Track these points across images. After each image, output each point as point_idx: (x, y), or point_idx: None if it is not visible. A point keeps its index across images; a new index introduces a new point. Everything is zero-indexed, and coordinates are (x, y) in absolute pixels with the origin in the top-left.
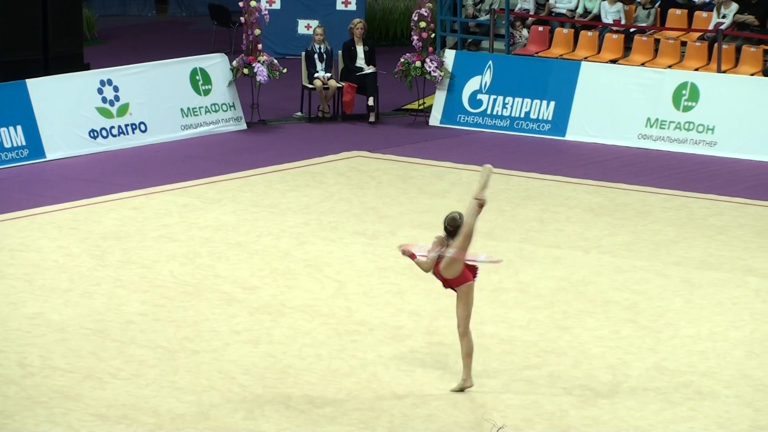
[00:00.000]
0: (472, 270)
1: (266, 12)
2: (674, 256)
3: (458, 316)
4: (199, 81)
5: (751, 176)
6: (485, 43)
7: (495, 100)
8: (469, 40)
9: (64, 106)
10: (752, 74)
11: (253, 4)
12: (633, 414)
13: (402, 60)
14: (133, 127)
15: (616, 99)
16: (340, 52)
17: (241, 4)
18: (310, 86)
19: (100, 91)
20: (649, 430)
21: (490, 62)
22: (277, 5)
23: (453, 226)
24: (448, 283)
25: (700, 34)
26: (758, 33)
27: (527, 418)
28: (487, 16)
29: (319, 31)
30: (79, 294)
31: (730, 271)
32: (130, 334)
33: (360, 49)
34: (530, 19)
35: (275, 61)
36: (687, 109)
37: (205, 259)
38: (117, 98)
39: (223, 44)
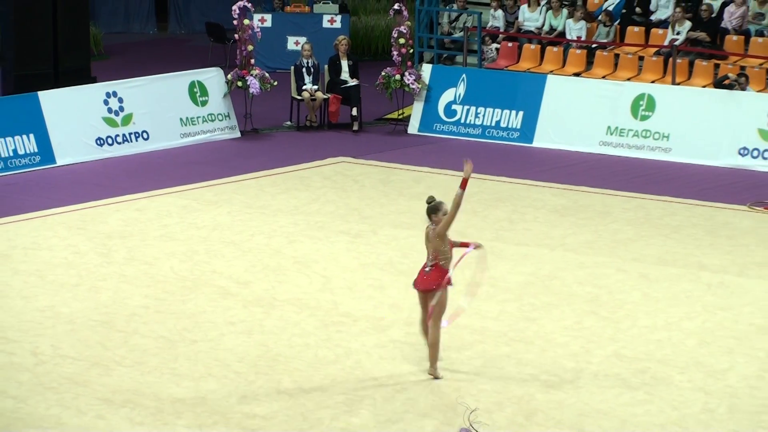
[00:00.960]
0: (445, 278)
1: (258, 30)
2: (632, 253)
3: (429, 312)
4: (197, 93)
5: (702, 180)
6: (459, 58)
7: (468, 110)
8: (445, 55)
9: (73, 116)
10: (704, 86)
11: (246, 22)
12: (594, 398)
13: (383, 73)
14: (137, 135)
15: (579, 109)
16: (326, 66)
17: (235, 22)
18: (299, 98)
19: (105, 102)
20: (609, 413)
21: (464, 75)
22: (268, 23)
23: (428, 202)
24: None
25: (656, 49)
26: (709, 48)
27: (498, 402)
28: (461, 33)
29: (306, 47)
30: (87, 288)
31: (683, 267)
32: (134, 325)
33: (344, 64)
34: (500, 35)
35: (266, 74)
36: (644, 118)
37: (203, 257)
38: (121, 109)
39: (219, 59)
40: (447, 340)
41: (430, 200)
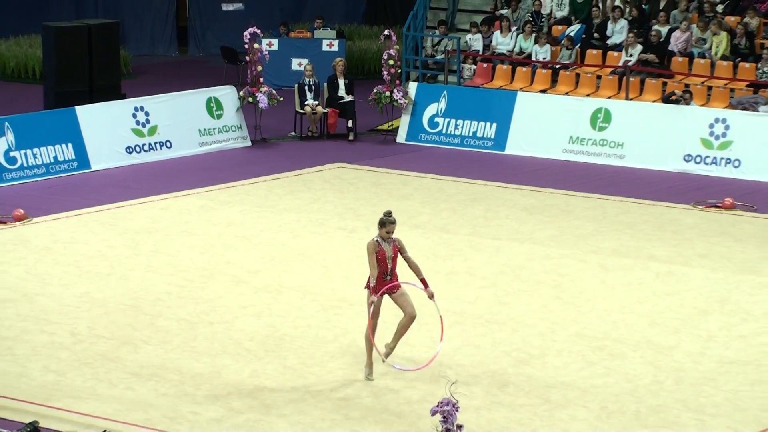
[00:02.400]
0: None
1: (267, 52)
2: (591, 246)
3: (411, 306)
4: (213, 107)
5: (652, 182)
6: (441, 77)
7: (449, 122)
8: (428, 75)
9: (106, 128)
10: (653, 101)
11: (256, 46)
12: (559, 371)
13: (375, 90)
14: (161, 144)
15: (545, 121)
16: (325, 84)
17: (246, 46)
18: (302, 111)
19: (134, 116)
20: (571, 384)
21: (445, 92)
22: (275, 47)
23: (386, 215)
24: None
25: (612, 69)
26: (658, 68)
27: (474, 375)
28: (443, 56)
29: (308, 67)
30: (118, 277)
31: (636, 258)
32: (159, 309)
33: (341, 82)
34: (477, 57)
35: (274, 91)
36: (602, 129)
37: (219, 249)
38: (148, 121)
39: (232, 78)
40: (431, 323)
41: (388, 214)
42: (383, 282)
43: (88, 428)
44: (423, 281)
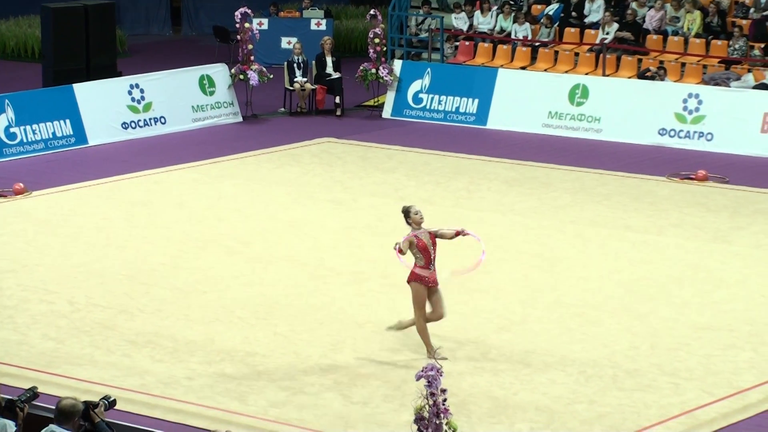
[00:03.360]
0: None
1: (257, 31)
2: (570, 217)
3: (442, 306)
4: (206, 84)
5: (628, 155)
6: (425, 55)
7: (432, 98)
8: (413, 53)
9: (102, 104)
10: (629, 77)
11: (247, 25)
12: (539, 337)
13: (361, 68)
14: (155, 120)
15: (525, 97)
16: (313, 62)
17: (237, 25)
18: (291, 88)
19: (129, 93)
20: (551, 350)
21: (429, 69)
22: (265, 26)
23: (403, 211)
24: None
25: (590, 46)
26: (634, 46)
27: (458, 341)
28: (427, 34)
29: (297, 46)
30: (115, 248)
31: (613, 228)
32: (154, 279)
33: (329, 60)
34: (459, 36)
35: (264, 69)
36: (579, 104)
37: (211, 221)
38: (143, 98)
39: (224, 56)
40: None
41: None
42: (427, 273)
43: (85, 393)
44: (457, 232)
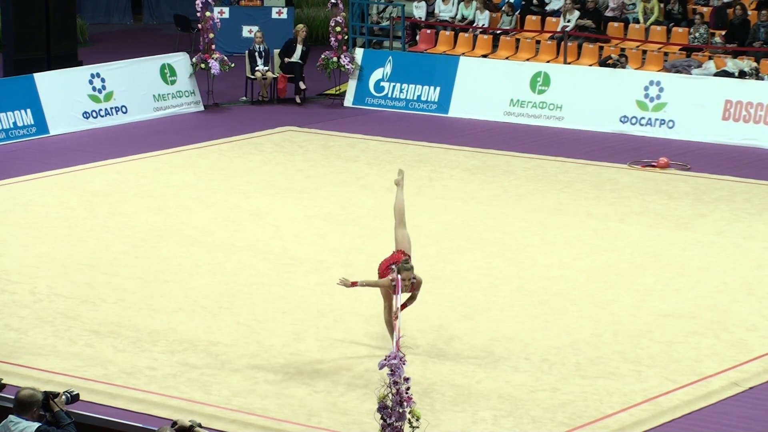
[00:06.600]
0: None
1: (218, 20)
2: (532, 205)
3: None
4: (167, 74)
5: (590, 143)
6: (386, 43)
7: (394, 87)
8: (374, 41)
9: (63, 94)
10: (590, 65)
11: (208, 14)
12: (502, 325)
13: (323, 56)
14: (117, 109)
15: (487, 85)
16: (276, 50)
17: (198, 14)
18: (252, 77)
19: (90, 82)
20: (514, 338)
21: (390, 57)
22: (226, 15)
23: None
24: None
25: (551, 34)
26: (595, 34)
27: (421, 329)
28: (388, 22)
29: (258, 34)
30: (76, 238)
31: (574, 216)
32: (116, 268)
33: (299, 48)
34: (421, 24)
35: (225, 57)
36: (541, 92)
37: (173, 210)
38: (104, 87)
39: (185, 45)
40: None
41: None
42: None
43: (48, 384)
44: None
